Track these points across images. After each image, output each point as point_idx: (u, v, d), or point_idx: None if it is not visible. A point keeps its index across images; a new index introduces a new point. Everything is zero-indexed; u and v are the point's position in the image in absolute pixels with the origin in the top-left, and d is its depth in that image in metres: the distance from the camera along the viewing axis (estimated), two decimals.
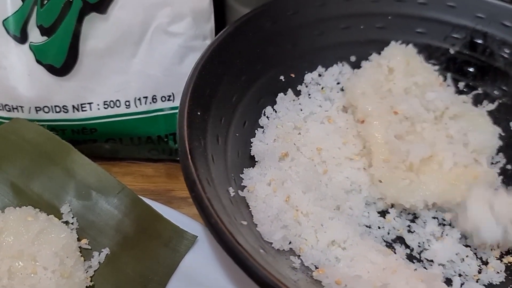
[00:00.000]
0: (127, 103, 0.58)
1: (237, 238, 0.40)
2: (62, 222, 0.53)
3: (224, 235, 0.40)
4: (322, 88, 0.59)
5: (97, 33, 0.56)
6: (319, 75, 0.59)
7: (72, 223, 0.53)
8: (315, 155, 0.53)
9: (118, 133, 0.60)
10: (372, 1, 0.60)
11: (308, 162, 0.53)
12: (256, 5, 0.65)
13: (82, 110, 0.58)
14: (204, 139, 0.48)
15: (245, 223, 0.45)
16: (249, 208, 0.48)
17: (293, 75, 0.58)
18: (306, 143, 0.54)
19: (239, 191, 0.49)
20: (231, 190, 0.47)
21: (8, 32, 0.57)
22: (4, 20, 0.56)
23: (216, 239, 0.41)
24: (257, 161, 0.53)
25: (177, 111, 0.57)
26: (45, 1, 0.55)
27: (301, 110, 0.56)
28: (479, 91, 0.60)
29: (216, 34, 0.61)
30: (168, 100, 0.59)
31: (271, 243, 0.46)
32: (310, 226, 0.49)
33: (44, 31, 0.56)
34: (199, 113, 0.49)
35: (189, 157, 0.44)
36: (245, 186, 0.50)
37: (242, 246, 0.40)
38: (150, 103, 0.59)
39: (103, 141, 0.60)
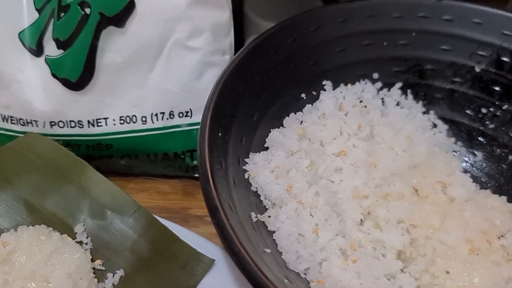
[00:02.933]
0: (144, 119, 0.57)
1: (260, 267, 0.39)
2: (75, 242, 0.51)
3: (248, 264, 0.39)
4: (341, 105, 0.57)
5: (114, 47, 0.55)
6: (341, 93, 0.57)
7: (86, 243, 0.51)
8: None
9: (134, 149, 0.58)
10: (395, 17, 0.59)
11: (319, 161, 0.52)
12: (275, 18, 0.64)
13: (98, 126, 0.57)
14: (225, 161, 0.46)
15: (268, 250, 0.43)
16: (272, 234, 0.46)
17: (314, 93, 0.57)
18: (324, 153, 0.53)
19: (259, 215, 0.47)
20: (253, 215, 0.46)
21: (24, 45, 0.55)
22: (20, 33, 0.55)
23: (239, 268, 0.39)
24: (266, 147, 0.52)
25: (194, 127, 0.57)
26: (62, 14, 0.54)
27: (324, 125, 0.54)
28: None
29: (234, 48, 0.59)
30: (186, 116, 0.58)
31: (296, 272, 0.44)
32: (312, 220, 0.48)
33: (60, 44, 0.55)
34: (220, 134, 0.47)
35: (211, 181, 0.43)
36: (246, 171, 0.49)
37: (266, 276, 0.38)
38: (167, 119, 0.57)
39: (119, 157, 0.59)
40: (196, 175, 0.61)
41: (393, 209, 0.49)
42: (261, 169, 0.49)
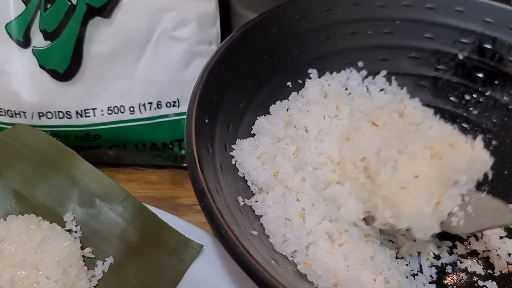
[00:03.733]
0: (132, 109, 0.58)
1: (248, 249, 0.39)
2: (65, 230, 0.52)
3: (235, 246, 0.39)
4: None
5: (101, 37, 0.55)
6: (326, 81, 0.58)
7: (75, 232, 0.52)
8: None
9: (123, 140, 0.59)
10: (379, 6, 0.59)
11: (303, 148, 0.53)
12: (261, 10, 0.65)
13: (86, 116, 0.57)
14: (212, 147, 0.47)
15: (255, 233, 0.44)
16: (259, 218, 0.47)
17: (300, 81, 0.57)
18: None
19: (246, 200, 0.48)
20: (240, 199, 0.47)
21: (11, 37, 0.56)
22: (7, 24, 0.55)
23: (226, 250, 0.40)
24: (253, 134, 0.53)
25: (182, 117, 0.57)
26: (49, 5, 0.55)
27: (308, 112, 0.55)
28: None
29: (221, 39, 0.60)
30: (173, 106, 0.58)
31: (283, 254, 0.45)
32: (298, 205, 0.49)
33: (47, 35, 0.55)
34: (206, 121, 0.48)
35: (198, 166, 0.43)
36: (233, 157, 0.50)
37: (254, 257, 0.39)
38: (155, 109, 0.58)
39: (107, 147, 0.59)
40: (185, 164, 0.62)
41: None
42: (248, 155, 0.50)
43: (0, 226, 0.50)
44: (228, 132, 0.50)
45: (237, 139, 0.51)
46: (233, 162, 0.49)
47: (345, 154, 0.50)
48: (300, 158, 0.51)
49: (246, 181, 0.50)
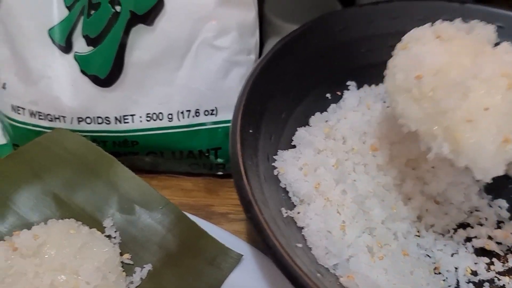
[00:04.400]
0: (170, 116, 0.58)
1: (295, 261, 0.39)
2: (104, 236, 0.52)
3: (283, 258, 0.39)
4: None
5: (143, 44, 0.56)
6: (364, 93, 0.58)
7: (114, 237, 0.52)
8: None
9: (160, 147, 0.59)
10: (419, 19, 0.59)
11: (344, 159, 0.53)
12: (294, 20, 0.65)
13: (125, 122, 0.57)
14: (256, 157, 0.47)
15: (300, 245, 0.44)
16: (301, 230, 0.47)
17: (339, 93, 0.58)
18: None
19: (289, 211, 0.48)
20: (283, 210, 0.47)
21: (53, 41, 0.56)
22: (50, 29, 0.56)
23: (274, 262, 0.40)
24: (293, 145, 0.53)
25: (219, 125, 0.58)
26: (92, 11, 0.55)
27: (347, 124, 0.55)
28: None
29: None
30: (211, 114, 0.58)
31: (325, 267, 0.45)
32: (339, 217, 0.49)
33: (90, 41, 0.56)
34: (251, 131, 0.48)
35: (244, 176, 0.43)
36: (276, 167, 0.50)
37: (301, 269, 0.39)
38: (193, 116, 0.58)
39: (144, 154, 0.59)
40: (219, 173, 0.62)
41: None
42: (290, 166, 0.50)
43: (41, 230, 0.51)
44: (271, 142, 0.50)
45: (279, 150, 0.51)
46: (275, 173, 0.49)
47: (397, 61, 0.46)
48: (340, 170, 0.51)
49: (287, 192, 0.50)
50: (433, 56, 0.44)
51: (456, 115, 0.41)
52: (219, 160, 0.60)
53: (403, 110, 0.45)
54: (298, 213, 0.48)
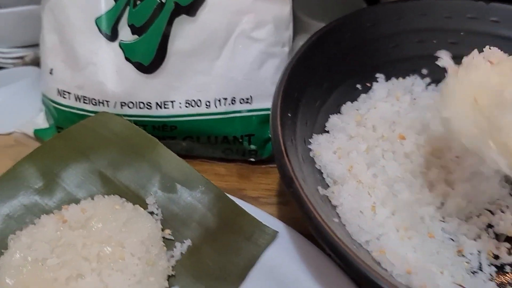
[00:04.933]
0: (208, 103, 0.61)
1: (335, 232, 0.42)
2: (147, 212, 0.55)
3: (324, 229, 0.42)
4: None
5: (184, 34, 0.59)
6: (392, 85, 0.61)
7: (156, 214, 0.55)
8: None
9: (197, 132, 0.62)
10: (445, 17, 0.62)
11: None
12: (322, 17, 0.69)
13: (165, 108, 0.61)
14: (295, 140, 0.50)
15: (336, 220, 0.47)
16: (335, 208, 0.50)
17: (368, 84, 0.61)
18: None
19: (324, 190, 0.51)
20: (320, 189, 0.49)
21: (100, 30, 0.59)
22: (96, 18, 0.59)
23: (315, 233, 0.43)
24: (327, 131, 0.56)
25: (253, 113, 0.61)
26: (138, 2, 0.58)
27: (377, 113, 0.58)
28: None
29: None
30: (246, 102, 0.62)
31: (358, 242, 0.48)
32: (370, 199, 0.51)
33: (135, 30, 0.59)
34: (289, 115, 0.51)
35: (285, 155, 0.46)
36: (311, 150, 0.53)
37: (341, 240, 0.42)
38: (229, 104, 0.61)
39: (181, 138, 0.62)
40: (251, 159, 0.65)
41: None
42: (324, 149, 0.53)
43: (88, 204, 0.54)
44: (306, 127, 0.54)
45: (314, 134, 0.54)
46: (311, 155, 0.52)
47: (455, 86, 0.46)
48: (371, 156, 0.54)
49: (322, 173, 0.53)
50: (487, 78, 0.46)
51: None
52: (252, 147, 0.63)
53: (458, 128, 0.46)
54: (333, 192, 0.51)
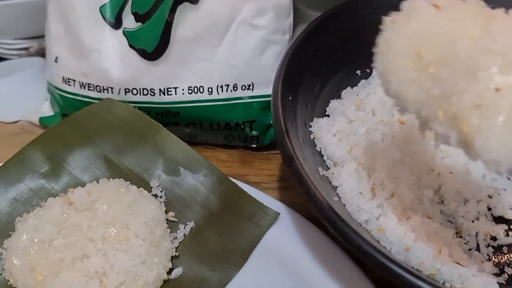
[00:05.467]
0: (210, 90, 0.62)
1: (335, 209, 0.43)
2: (151, 195, 0.56)
3: (324, 206, 0.43)
4: None
5: (187, 22, 0.60)
6: None
7: (160, 197, 0.56)
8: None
9: (199, 118, 0.63)
10: None
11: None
12: (321, 8, 0.70)
13: (168, 94, 0.62)
14: (296, 122, 0.51)
15: (336, 199, 0.48)
16: (335, 189, 0.51)
17: (368, 70, 0.62)
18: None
19: (324, 171, 0.52)
20: (320, 169, 0.51)
21: (104, 18, 0.61)
22: (101, 7, 0.61)
23: (315, 209, 0.44)
24: (327, 115, 0.58)
25: (255, 100, 0.62)
26: None
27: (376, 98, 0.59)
28: None
29: None
30: (248, 89, 0.63)
31: (357, 221, 0.49)
32: (369, 180, 0.52)
33: (138, 17, 0.60)
34: (290, 98, 0.52)
35: (286, 135, 0.47)
36: (312, 132, 0.54)
37: (341, 218, 0.43)
38: (231, 91, 0.62)
39: (184, 125, 0.64)
40: (253, 145, 0.66)
41: None
42: (325, 132, 0.54)
43: (94, 187, 0.55)
44: (307, 111, 0.55)
45: (314, 118, 0.55)
46: (312, 137, 0.53)
47: (389, 37, 0.39)
48: (370, 139, 0.56)
49: (322, 155, 0.54)
50: (432, 27, 0.36)
51: (463, 99, 0.34)
52: (254, 133, 0.64)
53: (398, 91, 0.38)
54: (333, 174, 0.52)
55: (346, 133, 0.55)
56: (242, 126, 0.64)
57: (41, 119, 0.68)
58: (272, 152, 0.66)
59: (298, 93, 0.54)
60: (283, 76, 0.52)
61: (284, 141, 0.47)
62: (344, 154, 0.53)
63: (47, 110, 0.69)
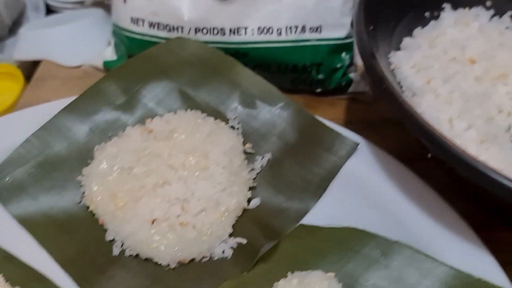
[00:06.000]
0: (279, 31, 0.62)
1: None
2: (228, 126, 0.56)
3: (419, 118, 0.44)
4: None
5: None
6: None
7: (237, 128, 0.56)
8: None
9: (267, 59, 0.63)
10: None
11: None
12: None
13: (238, 34, 0.62)
14: (377, 51, 0.52)
15: None
16: None
17: (436, 13, 0.62)
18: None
19: None
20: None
21: None
22: None
23: (410, 124, 0.44)
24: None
25: (322, 42, 0.63)
26: None
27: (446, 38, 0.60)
28: None
29: None
30: (316, 31, 0.63)
31: None
32: (447, 112, 0.52)
33: None
34: (371, 28, 0.52)
35: (374, 57, 0.48)
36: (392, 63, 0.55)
37: (437, 130, 0.43)
38: (299, 32, 0.63)
39: (252, 66, 0.64)
40: (318, 90, 0.66)
41: None
42: (404, 63, 0.54)
43: (172, 117, 0.55)
44: (384, 43, 0.55)
45: (391, 51, 0.55)
46: (392, 68, 0.54)
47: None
48: (445, 74, 0.56)
49: (401, 86, 0.54)
50: None
51: None
52: (320, 76, 0.65)
53: None
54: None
55: (423, 66, 0.55)
56: (309, 69, 0.64)
57: (105, 63, 0.68)
58: (337, 97, 0.67)
59: (377, 25, 0.54)
60: (364, 5, 0.53)
61: (373, 62, 0.48)
62: (423, 84, 0.54)
63: (110, 54, 0.69)
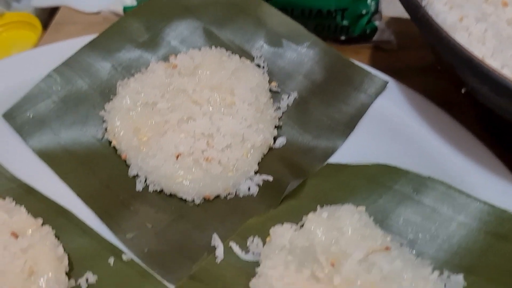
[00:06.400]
0: None
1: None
2: (254, 64, 0.55)
3: (455, 42, 0.43)
4: None
5: None
6: None
7: (263, 67, 0.55)
8: None
9: (292, 3, 0.62)
10: None
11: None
12: None
13: None
14: None
15: None
16: None
17: None
18: None
19: None
20: None
21: None
22: None
23: (446, 47, 0.43)
24: None
25: None
26: None
27: None
28: None
29: None
30: None
31: None
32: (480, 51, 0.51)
33: None
34: None
35: None
36: None
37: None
38: None
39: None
40: (342, 37, 0.65)
41: None
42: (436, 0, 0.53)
43: (197, 53, 0.54)
44: None
45: None
46: (424, 3, 0.52)
47: None
48: (478, 14, 0.54)
49: None
50: None
51: None
52: (345, 22, 0.63)
53: None
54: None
55: (456, 3, 0.53)
56: (334, 15, 0.62)
57: (125, 8, 0.67)
58: (361, 45, 0.65)
59: None
60: None
61: None
62: (455, 21, 0.52)
63: (130, 1, 0.68)
